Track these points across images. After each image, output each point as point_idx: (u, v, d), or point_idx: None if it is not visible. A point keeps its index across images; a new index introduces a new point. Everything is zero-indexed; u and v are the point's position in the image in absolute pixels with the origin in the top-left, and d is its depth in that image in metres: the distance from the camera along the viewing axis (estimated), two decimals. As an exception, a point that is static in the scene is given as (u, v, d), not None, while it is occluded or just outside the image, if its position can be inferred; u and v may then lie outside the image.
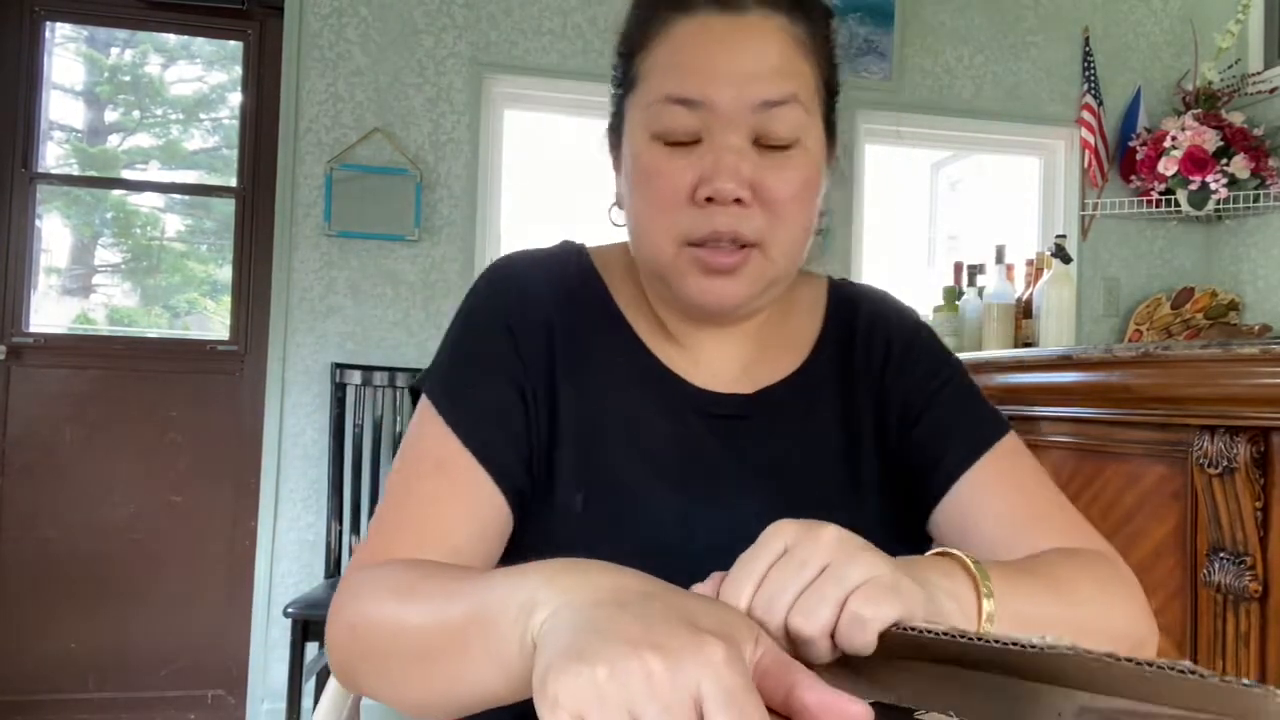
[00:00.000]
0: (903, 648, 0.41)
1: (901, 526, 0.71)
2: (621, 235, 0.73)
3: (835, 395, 0.73)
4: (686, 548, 0.64)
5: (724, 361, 0.72)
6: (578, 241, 0.78)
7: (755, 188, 0.62)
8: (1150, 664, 0.34)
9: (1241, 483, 1.25)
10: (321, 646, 2.22)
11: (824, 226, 0.72)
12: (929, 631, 0.40)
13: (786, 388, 0.72)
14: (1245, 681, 0.32)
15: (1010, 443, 0.71)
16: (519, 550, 0.66)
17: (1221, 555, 1.29)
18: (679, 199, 0.62)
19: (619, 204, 0.71)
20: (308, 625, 1.99)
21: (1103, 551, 0.65)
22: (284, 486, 2.49)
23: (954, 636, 0.39)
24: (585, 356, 0.69)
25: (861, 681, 0.44)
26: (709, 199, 0.61)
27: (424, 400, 0.67)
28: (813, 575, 0.42)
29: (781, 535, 0.44)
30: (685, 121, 0.62)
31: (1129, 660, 0.34)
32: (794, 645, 0.42)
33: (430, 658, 0.47)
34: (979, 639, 0.38)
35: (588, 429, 0.67)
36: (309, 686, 2.17)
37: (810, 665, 0.40)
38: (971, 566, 0.50)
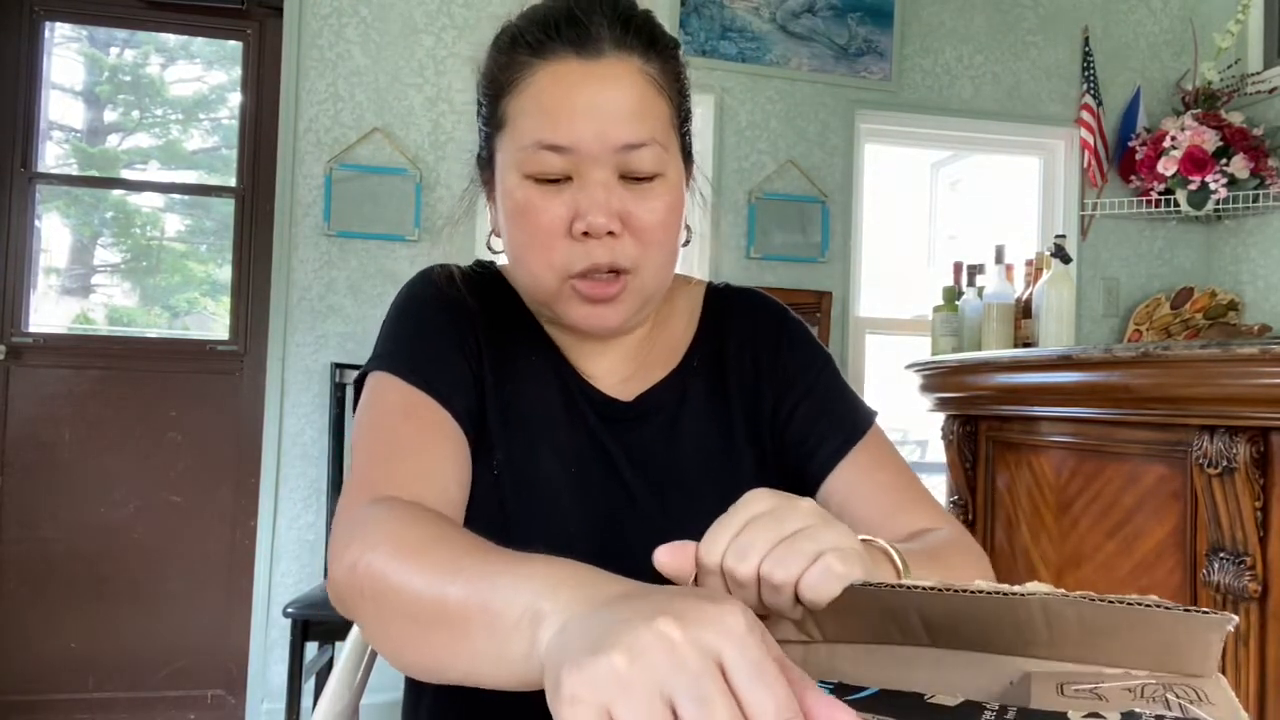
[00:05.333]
0: (859, 600, 0.43)
1: None
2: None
3: (708, 395, 0.79)
4: (583, 519, 0.73)
5: (606, 371, 0.79)
6: (487, 260, 0.86)
7: (624, 219, 0.68)
8: (1122, 600, 0.37)
9: (1241, 483, 1.25)
10: (321, 646, 2.22)
11: (688, 240, 0.79)
12: (890, 585, 0.42)
13: (661, 392, 0.78)
14: (1204, 610, 0.36)
15: (877, 431, 0.79)
16: None
17: (1221, 555, 1.29)
18: (556, 234, 0.68)
19: (496, 232, 0.76)
20: (307, 625, 1.99)
21: (959, 530, 0.73)
22: (284, 486, 2.49)
23: (919, 589, 0.41)
24: (505, 346, 0.77)
25: (808, 623, 0.47)
26: (585, 233, 0.67)
27: (373, 375, 0.72)
28: (788, 534, 0.45)
29: (761, 500, 0.48)
30: (555, 164, 0.67)
31: (1103, 599, 0.37)
32: (758, 595, 0.45)
33: (427, 628, 0.47)
34: (946, 588, 0.40)
35: (507, 409, 0.75)
36: (309, 686, 2.17)
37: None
38: (895, 557, 0.54)
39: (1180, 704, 0.36)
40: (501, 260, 0.81)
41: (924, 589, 0.40)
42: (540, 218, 0.68)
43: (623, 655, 0.32)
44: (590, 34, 0.67)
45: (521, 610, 0.41)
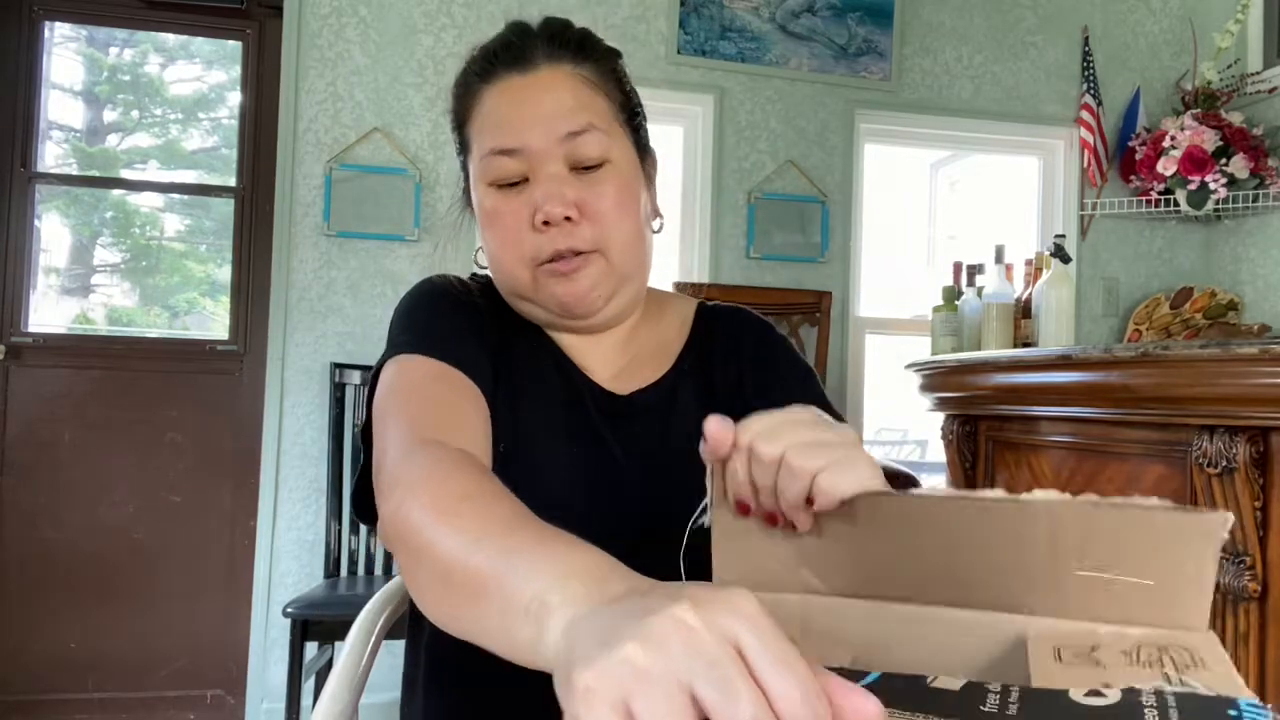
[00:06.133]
0: (866, 520, 0.44)
1: None
2: None
3: (696, 397, 0.84)
4: (579, 504, 0.77)
5: (599, 365, 0.84)
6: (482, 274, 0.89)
7: (580, 206, 0.74)
8: (1124, 502, 0.39)
9: (1241, 482, 1.25)
10: (321, 646, 2.22)
11: (659, 229, 0.85)
12: (902, 494, 0.43)
13: (653, 392, 0.83)
14: (1200, 510, 0.38)
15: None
16: None
17: (1220, 555, 1.29)
18: (521, 229, 0.75)
19: (484, 249, 0.82)
20: (307, 625, 1.99)
21: None
22: (283, 486, 2.49)
23: (930, 498, 0.42)
24: (507, 339, 0.82)
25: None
26: (545, 223, 0.73)
27: (396, 359, 0.74)
28: (821, 439, 0.50)
29: (805, 410, 0.53)
30: (511, 167, 0.75)
31: (1108, 503, 0.39)
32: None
33: (450, 587, 0.49)
34: (958, 496, 0.42)
35: (512, 394, 0.79)
36: (308, 686, 2.17)
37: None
38: None
39: (1179, 677, 0.36)
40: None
41: (936, 498, 0.41)
42: (506, 219, 0.75)
43: (637, 645, 0.31)
44: (525, 52, 0.76)
45: (531, 597, 0.41)
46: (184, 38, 2.75)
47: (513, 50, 0.77)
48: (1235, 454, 1.25)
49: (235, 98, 2.73)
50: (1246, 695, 0.35)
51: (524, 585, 0.42)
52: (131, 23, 2.66)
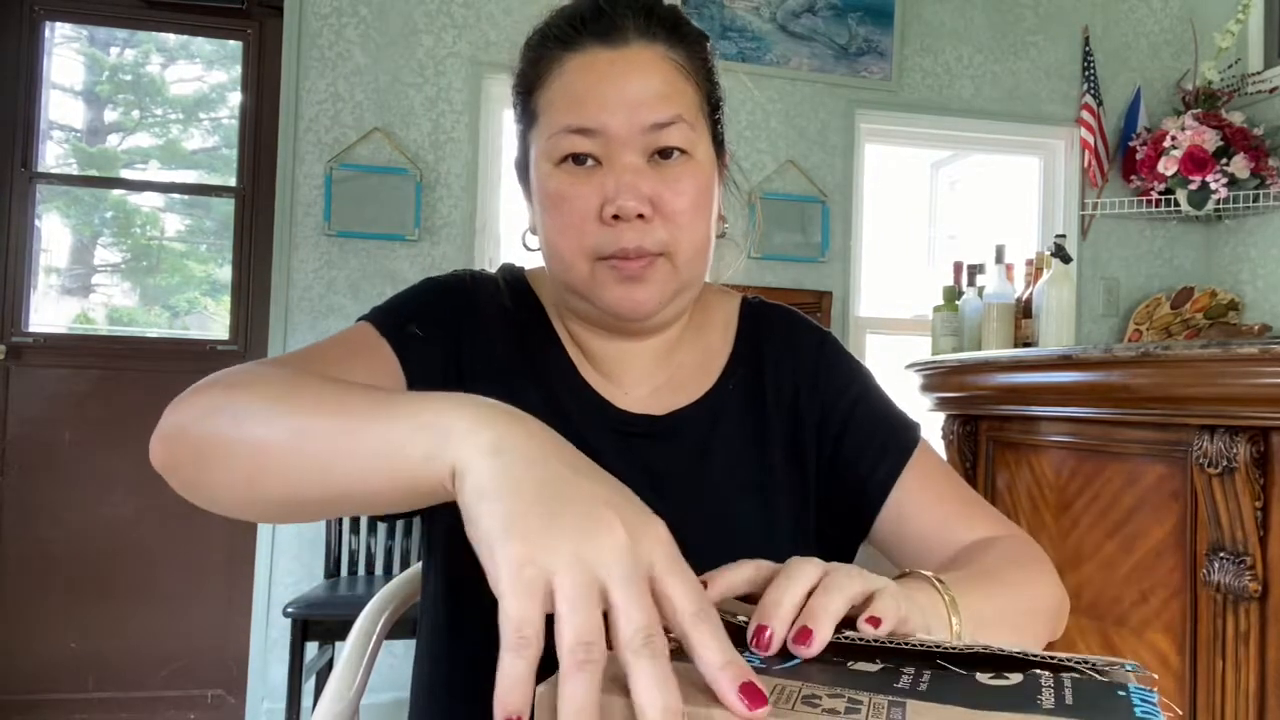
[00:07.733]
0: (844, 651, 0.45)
1: (808, 535, 0.77)
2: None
3: (744, 416, 0.78)
4: None
5: (637, 381, 0.78)
6: (517, 265, 0.84)
7: (654, 202, 0.68)
8: (1052, 658, 0.40)
9: (1241, 482, 1.25)
10: (321, 646, 2.22)
11: (723, 232, 0.80)
12: (866, 640, 0.44)
13: (695, 410, 0.77)
14: (1127, 665, 0.39)
15: (924, 444, 0.78)
16: (431, 517, 0.75)
17: (1221, 555, 1.29)
18: (588, 219, 0.68)
19: (532, 230, 0.76)
20: (307, 625, 1.99)
21: (1012, 534, 0.73)
22: (284, 486, 2.49)
23: (897, 644, 0.43)
24: (517, 364, 0.76)
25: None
26: (615, 216, 0.67)
27: (358, 323, 0.74)
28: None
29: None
30: (585, 147, 0.68)
31: (1033, 656, 0.40)
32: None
33: (319, 428, 0.48)
34: (917, 644, 0.43)
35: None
36: (309, 686, 2.17)
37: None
38: (939, 587, 0.54)
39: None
40: (530, 263, 0.82)
41: (877, 643, 0.43)
42: (572, 203, 0.68)
43: (577, 535, 0.37)
44: (615, 24, 0.69)
45: (431, 416, 0.43)
46: (184, 38, 2.75)
47: (603, 20, 0.69)
48: (1235, 454, 1.25)
49: (235, 98, 2.73)
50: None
51: (419, 406, 0.44)
52: (132, 23, 2.67)
